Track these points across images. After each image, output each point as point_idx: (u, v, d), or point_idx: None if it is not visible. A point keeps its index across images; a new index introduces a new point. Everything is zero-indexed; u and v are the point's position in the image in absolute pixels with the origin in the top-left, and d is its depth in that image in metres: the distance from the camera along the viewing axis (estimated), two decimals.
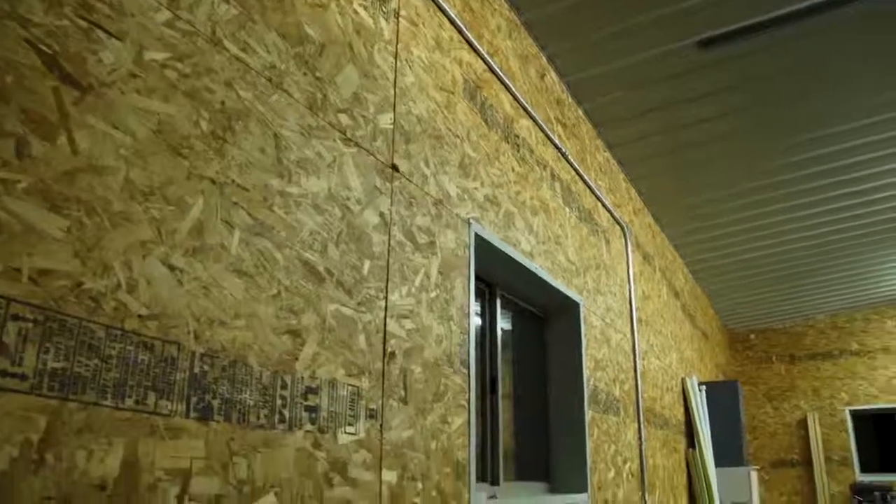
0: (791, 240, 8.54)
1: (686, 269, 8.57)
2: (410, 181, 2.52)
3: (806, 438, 12.24)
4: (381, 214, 2.31)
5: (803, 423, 12.32)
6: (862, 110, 5.72)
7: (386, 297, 2.27)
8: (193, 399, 1.55)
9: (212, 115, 1.71)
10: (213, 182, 1.68)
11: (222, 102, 1.75)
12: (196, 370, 1.56)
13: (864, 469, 12.07)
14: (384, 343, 2.23)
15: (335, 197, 2.10)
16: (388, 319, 2.26)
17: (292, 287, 1.88)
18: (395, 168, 2.44)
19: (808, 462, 12.16)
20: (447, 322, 2.64)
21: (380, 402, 2.18)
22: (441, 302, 2.62)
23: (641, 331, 5.63)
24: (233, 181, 1.74)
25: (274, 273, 1.83)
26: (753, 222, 7.78)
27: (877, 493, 11.26)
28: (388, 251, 2.32)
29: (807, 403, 12.42)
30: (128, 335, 1.43)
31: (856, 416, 12.31)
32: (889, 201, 7.77)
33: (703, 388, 7.62)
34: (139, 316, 1.46)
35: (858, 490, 11.49)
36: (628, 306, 5.35)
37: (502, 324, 3.82)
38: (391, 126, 2.46)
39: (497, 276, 3.56)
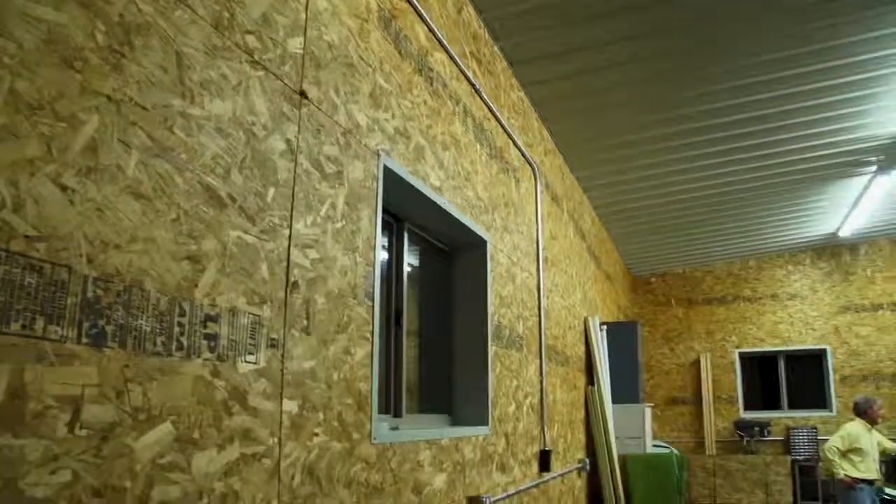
0: (694, 188, 8.80)
1: (593, 212, 8.74)
2: (319, 109, 2.47)
3: (698, 378, 12.83)
4: (288, 141, 2.26)
5: (696, 364, 12.89)
6: (762, 66, 5.89)
7: (290, 226, 2.23)
8: (86, 325, 1.50)
9: (109, 28, 1.62)
10: (110, 99, 1.60)
11: (121, 15, 1.66)
12: (89, 295, 1.51)
13: (748, 407, 12.77)
14: (287, 272, 2.20)
15: (240, 121, 2.03)
16: (291, 248, 2.23)
17: (193, 212, 1.83)
18: (303, 95, 2.37)
19: (698, 400, 12.77)
20: (352, 254, 2.62)
21: (282, 331, 2.16)
22: (347, 233, 2.59)
23: (547, 270, 5.73)
24: (131, 99, 1.66)
25: (173, 197, 1.77)
26: (659, 169, 7.97)
27: (756, 429, 11.96)
28: (294, 179, 2.27)
29: (700, 345, 12.98)
30: (13, 257, 1.36)
31: (743, 358, 12.96)
32: (785, 155, 8.07)
33: (605, 327, 7.86)
34: (26, 237, 1.39)
35: (741, 426, 12.17)
36: (535, 246, 5.44)
37: (409, 259, 3.82)
38: (301, 51, 2.38)
39: (405, 210, 3.55)
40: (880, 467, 8.16)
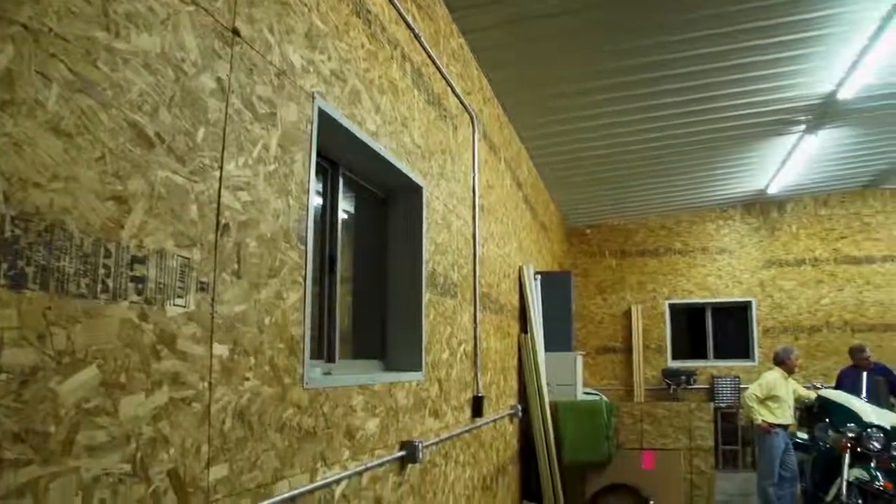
0: (631, 141, 8.89)
1: (531, 161, 8.77)
2: (252, 48, 2.40)
3: (629, 328, 13.14)
4: (219, 80, 2.20)
5: (627, 314, 13.19)
6: (697, 22, 5.93)
7: (221, 167, 2.18)
8: (4, 265, 1.44)
9: None
10: (27, 28, 1.52)
11: None
12: (7, 234, 1.45)
13: (675, 356, 13.16)
14: (218, 214, 2.16)
15: (168, 57, 1.96)
16: (222, 190, 2.18)
17: (118, 150, 1.77)
18: (235, 32, 2.30)
19: (628, 349, 13.10)
20: (285, 197, 2.58)
21: (212, 275, 2.13)
22: (280, 176, 2.55)
23: (483, 218, 5.76)
24: (50, 30, 1.58)
25: (98, 134, 1.71)
26: (596, 121, 8.02)
27: (682, 377, 12.35)
28: (225, 119, 2.22)
29: (632, 296, 13.26)
30: None
31: (673, 309, 13.30)
32: (718, 112, 8.21)
33: (539, 277, 7.96)
34: None
35: (668, 374, 12.55)
36: (471, 194, 5.44)
37: (345, 205, 3.79)
38: None
39: (340, 155, 3.50)
40: (795, 413, 8.51)
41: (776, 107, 8.26)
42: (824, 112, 8.45)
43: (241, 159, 2.29)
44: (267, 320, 2.43)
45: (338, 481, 2.93)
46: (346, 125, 3.10)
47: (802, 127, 9.01)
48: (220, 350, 2.16)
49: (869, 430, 7.63)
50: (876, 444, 7.56)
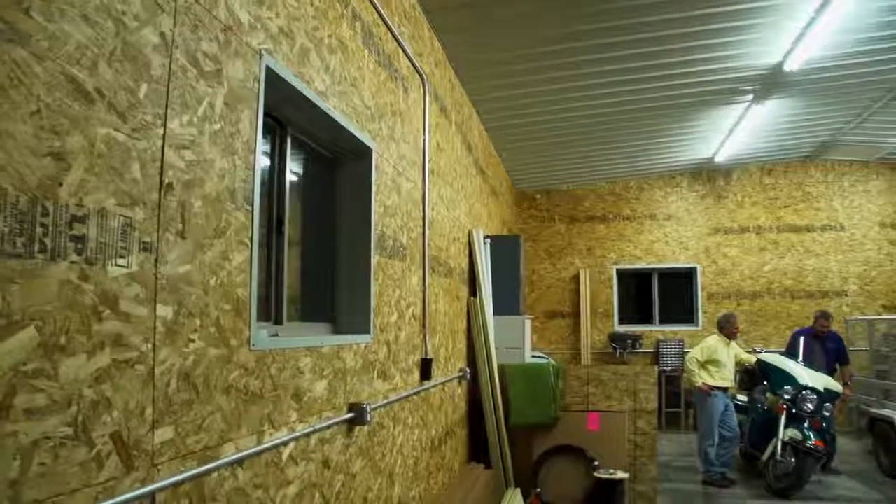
0: (581, 107, 8.92)
1: (482, 125, 8.75)
2: (197, 2, 2.33)
3: (577, 292, 13.30)
4: (162, 35, 2.13)
5: (576, 279, 13.35)
6: None
7: (164, 125, 2.12)
8: None
9: None
10: None
11: None
12: None
13: (622, 321, 13.40)
14: (161, 173, 2.11)
15: (108, 9, 1.89)
16: (166, 148, 2.13)
17: (55, 105, 1.71)
18: None
19: (576, 314, 13.28)
20: (231, 156, 2.53)
21: (155, 235, 2.08)
22: (226, 135, 2.50)
23: (433, 181, 5.74)
24: None
25: (32, 88, 1.64)
26: (548, 86, 8.02)
27: (629, 341, 12.59)
28: (169, 76, 2.15)
29: (580, 261, 13.41)
30: None
31: (620, 274, 13.50)
32: (668, 80, 8.27)
33: (489, 241, 7.98)
34: None
35: (615, 338, 12.78)
36: (421, 156, 5.41)
37: (293, 166, 3.74)
38: None
39: (289, 115, 3.44)
40: (736, 377, 8.75)
41: (724, 76, 8.36)
42: (771, 83, 8.58)
43: (185, 117, 2.24)
44: (212, 281, 2.40)
45: (285, 443, 2.93)
46: (294, 84, 3.05)
47: (749, 97, 9.14)
48: (165, 311, 2.13)
49: (803, 392, 7.91)
50: (809, 406, 7.86)
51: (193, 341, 2.28)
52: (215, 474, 2.40)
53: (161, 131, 2.11)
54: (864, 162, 13.02)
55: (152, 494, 2.03)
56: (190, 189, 2.26)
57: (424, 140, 5.47)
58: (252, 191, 2.67)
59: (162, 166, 2.11)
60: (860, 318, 11.81)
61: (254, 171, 2.68)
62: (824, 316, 9.45)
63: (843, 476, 8.76)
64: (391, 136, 4.61)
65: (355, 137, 3.90)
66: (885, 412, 8.88)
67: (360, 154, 4.14)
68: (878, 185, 13.09)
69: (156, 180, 2.08)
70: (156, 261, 2.08)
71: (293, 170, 3.74)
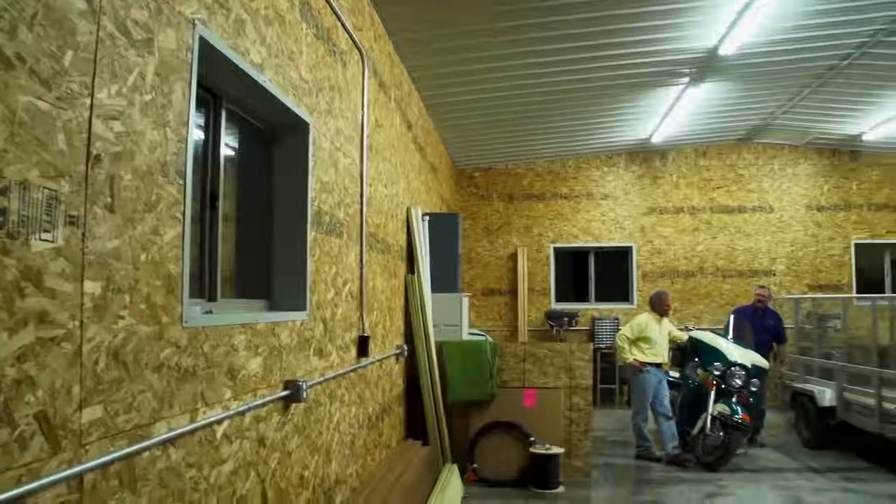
0: (521, 85, 8.94)
1: (421, 102, 8.70)
2: None
3: (514, 270, 13.39)
4: (89, 0, 2.05)
5: (514, 257, 13.44)
6: None
7: (92, 95, 2.05)
8: None
9: None
10: None
11: None
12: None
13: (559, 299, 13.56)
14: (89, 145, 2.03)
15: None
16: (93, 119, 2.05)
17: None
18: None
19: (513, 291, 13.38)
20: (163, 129, 2.46)
21: (82, 208, 2.01)
22: (157, 106, 2.42)
23: (371, 158, 5.69)
24: None
25: None
26: (488, 64, 8.01)
27: (565, 319, 12.75)
28: (97, 43, 2.07)
29: (518, 239, 13.49)
30: None
31: (557, 252, 13.64)
32: (606, 60, 8.35)
33: (427, 218, 7.97)
34: None
35: (551, 316, 12.93)
36: (359, 132, 5.36)
37: (228, 140, 3.66)
38: None
39: (224, 88, 3.36)
40: (670, 353, 8.95)
41: (661, 58, 8.47)
42: (706, 66, 8.73)
43: (114, 87, 2.16)
44: (143, 257, 2.34)
45: (219, 421, 2.89)
46: (229, 56, 2.98)
47: (686, 79, 9.29)
48: (92, 287, 2.06)
49: (732, 368, 8.15)
50: (737, 381, 8.11)
51: (123, 318, 2.22)
52: (147, 454, 2.35)
53: (88, 101, 2.03)
54: (794, 146, 13.38)
55: (80, 475, 1.98)
56: (119, 161, 2.19)
57: (363, 116, 5.41)
58: (185, 164, 2.61)
59: (89, 137, 2.04)
60: (787, 296, 12.18)
61: (186, 145, 2.62)
62: (759, 289, 9.83)
63: (768, 448, 9.08)
64: (329, 111, 4.55)
65: (292, 112, 3.83)
66: (807, 387, 9.20)
67: (297, 129, 4.07)
68: (806, 169, 13.48)
69: (83, 152, 2.01)
70: (83, 235, 2.01)
71: (228, 144, 3.66)
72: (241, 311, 3.55)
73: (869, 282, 13.45)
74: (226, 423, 2.97)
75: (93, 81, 2.05)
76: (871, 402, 7.82)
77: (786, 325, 10.06)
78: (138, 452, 2.27)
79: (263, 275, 4.06)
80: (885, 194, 13.37)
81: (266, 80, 3.41)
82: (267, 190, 4.09)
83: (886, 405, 7.55)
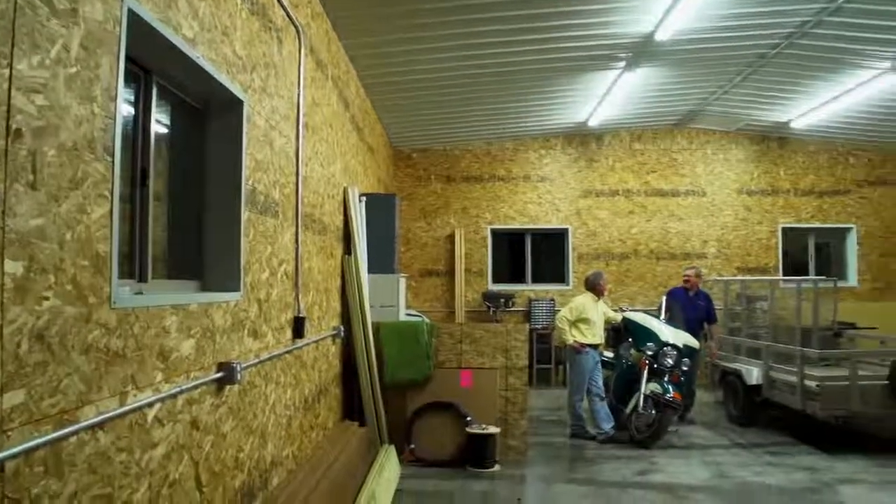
0: (459, 66, 8.92)
1: (359, 82, 8.62)
2: None
3: (452, 252, 13.42)
4: None
5: (451, 238, 13.46)
6: None
7: (11, 66, 1.95)
8: None
9: None
10: None
11: None
12: None
13: (496, 280, 13.65)
14: (8, 118, 1.94)
15: None
16: (13, 91, 1.96)
17: None
18: None
19: (451, 272, 13.41)
20: (90, 103, 2.37)
21: (2, 185, 1.93)
22: (83, 80, 2.34)
23: (307, 137, 5.61)
24: None
25: None
26: (427, 44, 7.97)
27: (502, 300, 12.85)
28: (15, 11, 1.97)
29: (456, 221, 13.52)
30: None
31: (495, 234, 13.71)
32: (545, 43, 8.38)
33: (364, 199, 7.92)
34: None
35: (488, 297, 13.00)
36: (295, 111, 5.28)
37: (160, 117, 3.56)
38: None
39: (154, 62, 3.26)
40: (605, 334, 9.10)
41: (599, 42, 8.55)
42: (642, 51, 8.85)
43: (35, 58, 2.07)
44: (68, 236, 2.26)
45: (150, 404, 2.83)
46: (159, 29, 2.88)
47: (622, 64, 9.39)
48: (14, 267, 1.98)
49: (665, 348, 8.34)
50: (669, 361, 8.31)
51: (47, 299, 2.14)
52: (73, 439, 2.28)
53: (7, 72, 1.94)
54: (725, 132, 13.69)
55: (1, 462, 1.91)
56: (42, 137, 2.11)
57: (299, 94, 5.33)
58: (113, 141, 2.52)
59: (8, 111, 1.95)
60: (717, 278, 12.50)
61: (115, 120, 2.53)
62: (691, 269, 10.08)
63: (698, 425, 9.34)
64: (264, 89, 4.47)
65: (226, 88, 3.75)
66: (735, 366, 9.48)
67: (231, 106, 3.98)
68: (737, 155, 13.82)
69: (1, 126, 1.93)
70: (2, 213, 1.93)
71: (160, 121, 3.56)
72: (173, 291, 3.47)
73: (794, 265, 13.91)
74: (157, 406, 2.90)
75: (11, 52, 1.96)
76: (793, 379, 8.10)
77: (716, 307, 10.31)
78: (65, 438, 2.21)
79: (196, 255, 3.97)
80: (810, 180, 13.81)
81: (199, 55, 3.33)
82: (200, 168, 4.00)
83: (808, 383, 7.83)
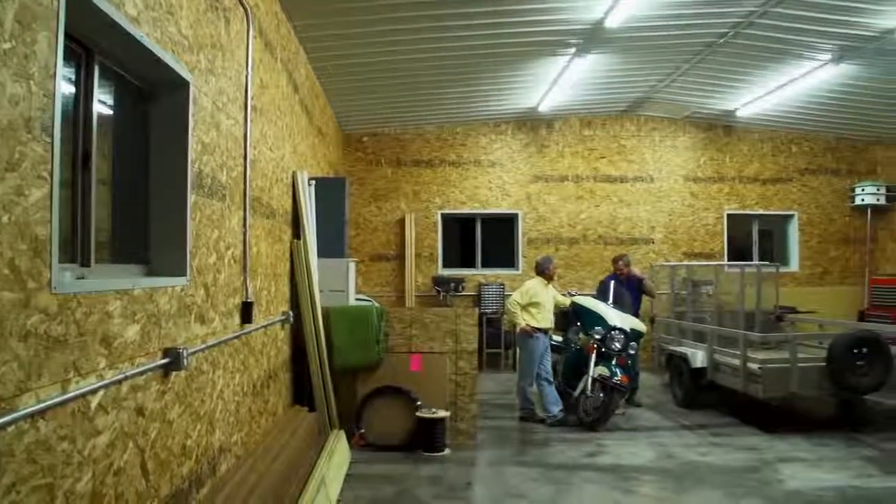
0: (410, 50, 8.87)
1: (309, 64, 8.51)
2: None
3: (402, 236, 13.39)
4: None
5: (401, 223, 13.42)
6: None
7: None
8: None
9: None
10: None
11: None
12: None
13: (446, 264, 13.66)
14: None
15: None
16: None
17: None
18: None
19: (401, 257, 13.39)
20: (26, 81, 2.30)
21: None
22: (18, 57, 2.26)
23: (255, 120, 5.52)
24: None
25: None
26: (377, 27, 7.90)
27: (452, 284, 12.87)
28: None
29: (406, 205, 13.48)
30: None
31: (445, 218, 13.71)
32: (497, 28, 8.39)
33: (314, 182, 7.83)
34: None
35: (438, 281, 13.02)
36: (243, 93, 5.19)
37: (103, 97, 3.46)
38: None
39: (97, 41, 3.16)
40: (554, 318, 9.18)
41: (550, 28, 8.57)
42: (593, 38, 8.90)
43: None
44: (5, 219, 2.19)
45: (94, 391, 2.77)
46: (100, 6, 2.80)
47: (573, 50, 9.43)
48: None
49: (612, 332, 8.45)
50: (617, 345, 8.43)
51: None
52: (12, 427, 2.22)
53: None
54: (673, 119, 13.87)
55: None
56: None
57: (247, 76, 5.24)
58: (52, 121, 2.45)
59: None
60: (664, 263, 12.70)
61: (54, 100, 2.46)
62: (616, 259, 10.22)
63: (644, 408, 9.50)
64: (211, 70, 4.38)
65: (171, 69, 3.66)
66: (681, 349, 9.66)
67: (177, 87, 3.89)
68: (684, 142, 14.03)
69: None
70: None
71: (103, 101, 3.46)
72: (118, 276, 3.40)
73: (739, 250, 14.21)
74: (101, 393, 2.84)
75: None
76: (737, 362, 8.28)
77: (660, 292, 10.49)
78: (3, 427, 2.15)
79: (142, 239, 3.89)
80: (754, 168, 14.09)
81: (142, 34, 3.24)
82: (145, 151, 3.91)
83: (750, 365, 8.02)
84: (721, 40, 9.21)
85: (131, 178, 3.81)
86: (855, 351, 7.70)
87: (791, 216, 14.25)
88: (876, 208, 13.90)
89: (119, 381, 2.99)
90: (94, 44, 3.19)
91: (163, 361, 3.50)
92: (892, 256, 13.89)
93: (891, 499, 5.83)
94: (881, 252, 14.20)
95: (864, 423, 8.19)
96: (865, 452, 7.17)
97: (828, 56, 9.50)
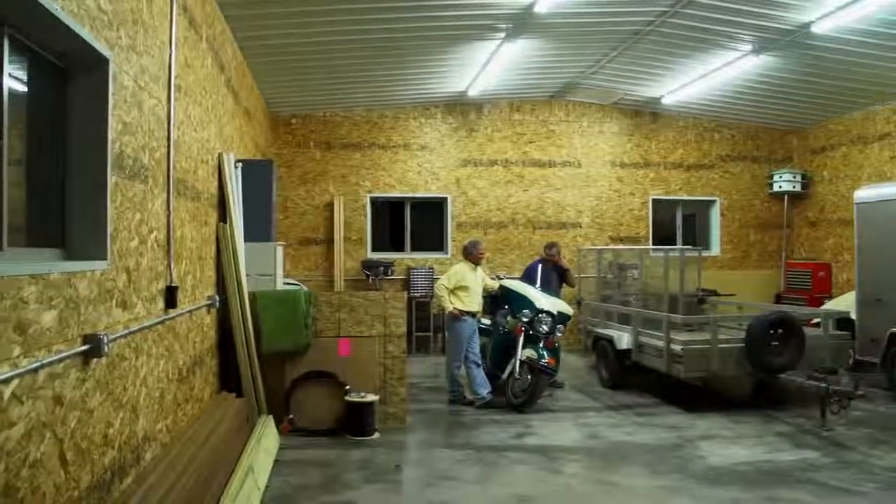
0: (339, 31, 8.77)
1: (236, 44, 8.32)
2: None
3: (331, 220, 13.30)
4: None
5: (330, 206, 13.32)
6: None
7: None
8: None
9: None
10: None
11: None
12: None
13: (375, 248, 13.64)
14: None
15: None
16: None
17: None
18: None
19: (330, 241, 13.30)
20: None
21: None
22: None
23: (179, 100, 5.38)
24: None
25: None
26: (305, 7, 7.79)
27: (381, 268, 12.85)
28: None
29: (335, 188, 13.39)
30: None
31: (374, 202, 13.66)
32: (425, 11, 8.36)
33: (240, 165, 7.68)
34: None
35: (367, 265, 12.97)
36: (167, 72, 5.04)
37: (16, 73, 3.31)
38: None
39: (7, 14, 3.02)
40: (483, 301, 9.24)
41: (479, 12, 8.58)
42: (522, 23, 8.94)
43: None
44: None
45: (7, 381, 2.66)
46: None
47: (502, 34, 9.47)
48: None
49: (540, 314, 8.56)
50: (544, 327, 8.55)
51: None
52: None
53: None
54: (601, 105, 14.08)
55: None
56: None
57: (171, 54, 5.09)
58: None
59: None
60: (591, 247, 12.91)
61: None
62: (548, 246, 10.43)
63: (571, 389, 9.68)
64: (132, 47, 4.24)
65: (89, 45, 3.52)
66: (606, 332, 9.86)
67: (96, 64, 3.74)
68: (612, 128, 14.27)
69: None
70: None
71: (15, 77, 3.31)
72: (32, 260, 3.27)
73: (663, 235, 14.55)
74: (15, 382, 2.73)
75: None
76: (660, 344, 8.50)
77: (587, 275, 10.68)
78: None
79: (59, 222, 3.75)
80: (679, 154, 14.44)
81: (57, 7, 3.10)
82: (63, 130, 3.76)
83: (673, 347, 8.24)
84: (647, 28, 9.38)
85: (48, 158, 3.67)
86: (771, 332, 7.99)
87: (713, 202, 14.66)
88: (792, 195, 14.41)
89: (35, 370, 2.88)
90: (4, 17, 3.04)
91: (82, 348, 3.39)
92: (807, 242, 14.42)
93: (800, 469, 6.09)
94: (797, 237, 14.74)
95: (778, 401, 8.51)
96: (779, 428, 7.49)
97: (748, 47, 9.78)
